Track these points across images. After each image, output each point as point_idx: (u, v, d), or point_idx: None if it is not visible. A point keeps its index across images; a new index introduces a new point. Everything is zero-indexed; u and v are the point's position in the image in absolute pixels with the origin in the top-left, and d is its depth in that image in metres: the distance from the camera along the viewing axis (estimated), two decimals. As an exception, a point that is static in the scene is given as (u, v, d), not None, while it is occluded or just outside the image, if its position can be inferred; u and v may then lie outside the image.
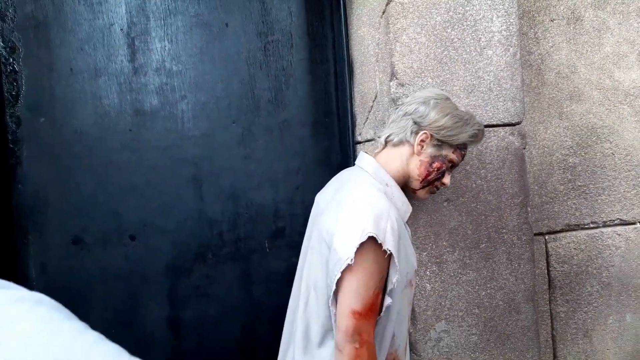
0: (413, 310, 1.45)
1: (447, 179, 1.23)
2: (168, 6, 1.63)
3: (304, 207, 1.76)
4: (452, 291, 1.48)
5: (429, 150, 1.19)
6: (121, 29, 1.58)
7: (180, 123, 1.63)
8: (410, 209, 1.24)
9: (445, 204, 1.46)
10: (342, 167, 1.77)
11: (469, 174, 1.48)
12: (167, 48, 1.63)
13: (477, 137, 1.21)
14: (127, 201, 1.58)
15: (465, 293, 1.48)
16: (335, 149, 1.78)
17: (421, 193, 1.24)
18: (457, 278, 1.48)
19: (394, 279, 1.07)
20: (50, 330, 0.35)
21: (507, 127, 1.52)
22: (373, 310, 1.06)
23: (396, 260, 1.05)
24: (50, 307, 0.38)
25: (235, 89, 1.69)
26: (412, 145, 1.20)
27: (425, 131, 1.18)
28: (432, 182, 1.22)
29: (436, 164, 1.20)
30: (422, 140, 1.19)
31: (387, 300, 1.08)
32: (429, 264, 1.46)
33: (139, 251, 1.60)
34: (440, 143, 1.19)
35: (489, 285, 1.50)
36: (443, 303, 1.47)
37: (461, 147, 1.22)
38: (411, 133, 1.21)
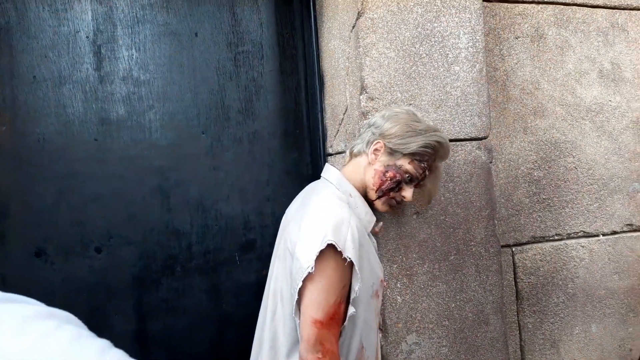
0: (384, 322, 1.44)
1: (406, 193, 1.23)
2: (136, 14, 1.61)
3: (274, 219, 1.75)
4: (422, 303, 1.48)
5: (383, 158, 1.21)
6: (87, 37, 1.55)
7: (148, 133, 1.59)
8: (373, 219, 1.25)
9: (414, 216, 1.47)
10: (313, 178, 1.77)
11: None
12: (134, 56, 1.60)
13: (432, 148, 1.20)
14: (91, 211, 1.53)
15: (436, 305, 1.49)
16: (306, 161, 1.78)
17: (378, 204, 1.24)
18: (427, 290, 1.49)
19: (356, 287, 1.07)
20: (81, 346, 0.34)
21: (474, 142, 1.55)
22: (335, 320, 1.05)
23: (357, 268, 1.05)
24: (77, 325, 0.37)
25: (204, 99, 1.67)
26: (368, 155, 1.22)
27: (379, 140, 1.21)
28: (386, 192, 1.22)
29: (390, 174, 1.20)
30: (376, 149, 1.22)
31: (351, 310, 1.08)
32: (400, 276, 1.46)
33: (104, 263, 1.55)
34: (392, 152, 1.20)
35: (458, 297, 1.51)
36: (414, 315, 1.47)
37: (419, 159, 1.20)
38: (368, 143, 1.23)
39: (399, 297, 1.47)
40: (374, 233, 1.33)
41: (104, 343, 0.37)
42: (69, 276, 1.52)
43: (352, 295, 1.08)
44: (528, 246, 1.82)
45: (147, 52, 1.61)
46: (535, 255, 1.83)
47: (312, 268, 1.01)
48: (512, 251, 1.80)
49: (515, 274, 1.80)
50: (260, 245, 1.74)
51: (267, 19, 1.75)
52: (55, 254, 1.50)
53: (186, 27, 1.66)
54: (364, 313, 1.14)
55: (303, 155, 1.77)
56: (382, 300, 1.41)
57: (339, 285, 1.05)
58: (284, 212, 1.75)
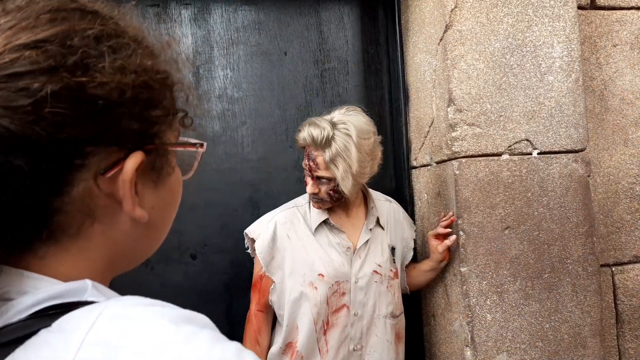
0: (473, 339, 1.40)
1: (307, 186, 1.38)
2: (231, 36, 1.70)
3: None
4: (514, 322, 1.42)
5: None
6: (187, 58, 1.66)
7: (240, 147, 1.68)
8: (321, 218, 1.40)
9: (506, 231, 1.43)
10: (397, 191, 1.77)
11: (531, 201, 1.44)
12: (229, 76, 1.70)
13: (298, 141, 1.35)
14: (188, 220, 1.63)
15: (528, 325, 1.43)
16: (389, 174, 1.78)
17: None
18: (519, 309, 1.43)
19: (259, 270, 1.42)
20: (222, 348, 0.36)
21: (569, 154, 1.48)
22: (257, 287, 1.44)
23: (259, 255, 1.39)
24: (212, 327, 0.39)
25: (292, 114, 1.73)
26: None
27: None
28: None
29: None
30: None
31: (272, 287, 1.41)
32: (489, 293, 1.42)
33: (199, 269, 1.64)
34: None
35: (553, 318, 1.44)
36: (504, 334, 1.42)
37: (305, 154, 1.36)
38: None
39: (488, 315, 1.42)
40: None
41: (238, 344, 0.38)
42: (166, 281, 1.62)
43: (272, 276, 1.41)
44: (630, 266, 1.70)
45: (241, 71, 1.70)
46: (638, 275, 1.70)
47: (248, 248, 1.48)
48: (612, 271, 1.69)
49: (615, 295, 1.69)
50: None
51: (353, 36, 1.78)
52: (156, 260, 1.61)
53: (276, 46, 1.73)
54: (289, 296, 1.37)
55: (387, 168, 1.78)
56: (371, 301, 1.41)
57: (259, 265, 1.41)
58: None
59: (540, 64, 1.47)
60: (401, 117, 1.73)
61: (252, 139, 1.70)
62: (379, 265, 1.42)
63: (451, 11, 1.44)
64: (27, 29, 0.38)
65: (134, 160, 0.43)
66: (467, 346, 1.42)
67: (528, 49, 1.47)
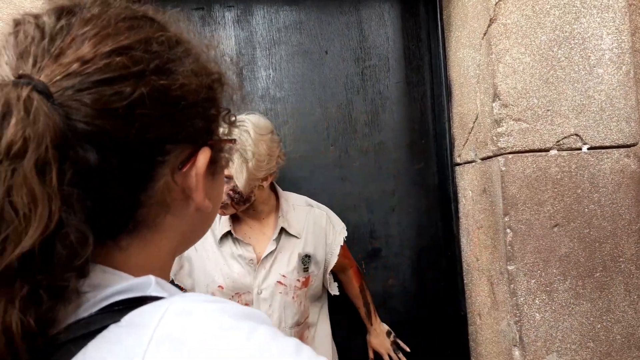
0: (521, 339, 1.37)
1: None
2: (273, 37, 1.72)
3: (400, 229, 1.75)
4: (564, 322, 1.39)
5: None
6: (231, 60, 1.68)
7: (283, 146, 1.69)
8: (225, 229, 1.38)
9: (555, 229, 1.39)
10: (440, 188, 1.75)
11: (581, 198, 1.40)
12: (271, 76, 1.72)
13: None
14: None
15: (579, 325, 1.39)
16: (432, 170, 1.76)
17: None
18: (570, 308, 1.39)
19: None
20: (281, 344, 0.37)
21: (621, 149, 1.43)
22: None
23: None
24: (269, 323, 0.40)
25: (333, 113, 1.74)
26: None
27: None
28: None
29: None
30: None
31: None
32: (538, 292, 1.39)
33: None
34: None
35: (605, 318, 1.39)
36: (554, 334, 1.39)
37: None
38: None
39: (537, 314, 1.39)
40: None
41: (296, 340, 0.39)
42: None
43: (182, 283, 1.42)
44: (686, 265, 1.63)
45: (283, 71, 1.72)
46: (695, 275, 1.63)
47: None
48: (667, 270, 1.62)
49: (670, 295, 1.62)
50: (386, 255, 1.76)
51: (393, 33, 1.77)
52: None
53: (317, 45, 1.74)
54: None
55: (429, 165, 1.76)
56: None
57: None
58: (409, 222, 1.76)
59: (589, 56, 1.43)
60: (444, 113, 1.71)
61: (294, 137, 1.71)
62: (283, 276, 1.38)
63: (495, 4, 1.41)
64: (111, 37, 0.41)
65: (204, 155, 0.47)
66: (515, 346, 1.39)
67: (576, 41, 1.43)
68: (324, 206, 1.56)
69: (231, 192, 1.31)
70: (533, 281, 1.38)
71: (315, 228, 1.47)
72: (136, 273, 0.44)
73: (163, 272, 0.50)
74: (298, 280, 1.40)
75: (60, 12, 0.42)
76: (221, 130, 0.52)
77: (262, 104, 1.70)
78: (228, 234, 1.39)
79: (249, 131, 1.30)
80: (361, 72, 1.75)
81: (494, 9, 1.41)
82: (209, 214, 0.53)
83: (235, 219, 1.42)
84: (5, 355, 0.34)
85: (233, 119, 0.54)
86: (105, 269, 0.42)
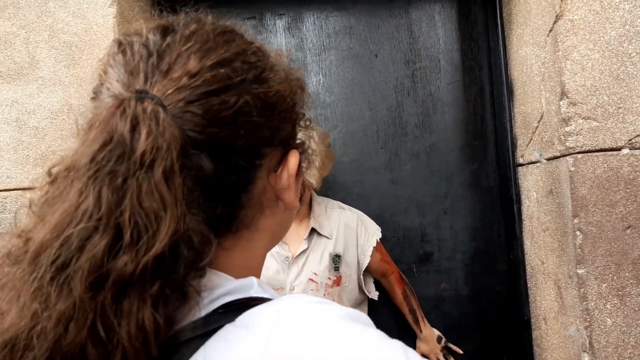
0: (591, 345, 1.33)
1: None
2: (323, 42, 1.73)
3: (452, 232, 1.73)
4: (637, 327, 1.33)
5: None
6: (301, 65, 1.71)
7: (333, 150, 1.70)
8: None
9: (627, 231, 1.34)
10: (501, 189, 1.72)
11: (655, 198, 1.35)
12: (321, 81, 1.73)
13: None
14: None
15: (654, 331, 1.33)
16: (492, 172, 1.73)
17: None
18: (644, 313, 1.34)
19: None
20: (389, 346, 0.38)
21: (698, 147, 1.36)
22: None
23: None
24: (375, 327, 0.41)
25: (383, 116, 1.73)
26: None
27: None
28: None
29: None
30: None
31: None
32: (610, 296, 1.34)
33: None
34: None
35: (683, 324, 1.33)
36: (626, 340, 1.33)
37: None
38: None
39: (608, 319, 1.34)
40: None
41: (401, 343, 0.39)
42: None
43: None
44: None
45: (332, 76, 1.73)
46: None
47: None
48: None
49: None
50: (438, 258, 1.74)
51: (445, 34, 1.76)
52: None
53: (367, 49, 1.75)
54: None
55: (483, 167, 1.73)
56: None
57: None
58: (462, 225, 1.73)
59: (663, 51, 1.37)
60: (505, 112, 1.67)
61: (344, 141, 1.72)
62: (315, 274, 1.45)
63: (561, 0, 1.37)
64: (212, 50, 0.43)
65: (295, 157, 0.50)
66: (584, 352, 1.35)
67: (648, 35, 1.37)
68: (356, 209, 1.59)
69: (301, 191, 1.40)
70: (604, 285, 1.34)
71: (346, 229, 1.53)
72: (236, 272, 0.46)
73: (258, 270, 0.52)
74: (329, 278, 1.47)
75: (165, 31, 0.45)
76: (300, 133, 0.55)
77: (312, 108, 1.71)
78: None
79: (311, 136, 1.38)
80: (412, 74, 1.74)
81: (560, 5, 1.37)
82: (292, 213, 0.55)
83: None
84: (139, 351, 0.35)
85: (309, 122, 0.56)
86: (213, 271, 0.44)
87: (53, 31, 1.41)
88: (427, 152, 1.74)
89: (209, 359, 0.37)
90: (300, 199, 1.43)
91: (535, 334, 1.62)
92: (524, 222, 1.63)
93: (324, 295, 1.46)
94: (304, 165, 0.55)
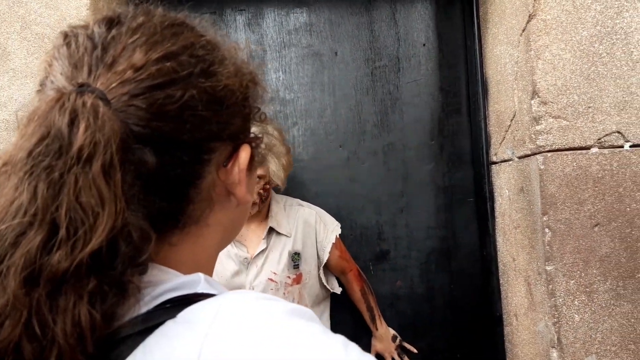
0: (560, 341, 1.35)
1: None
2: (283, 39, 1.74)
3: (408, 230, 1.74)
4: (604, 323, 1.36)
5: None
6: (260, 60, 1.71)
7: (292, 148, 1.71)
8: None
9: (595, 229, 1.36)
10: (475, 187, 1.73)
11: (622, 197, 1.37)
12: (281, 78, 1.74)
13: None
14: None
15: (619, 326, 1.36)
16: (467, 170, 1.75)
17: None
18: (610, 309, 1.36)
19: None
20: (329, 340, 0.39)
21: (665, 147, 1.39)
22: None
23: None
24: (318, 321, 0.41)
25: (342, 114, 1.75)
26: None
27: None
28: None
29: None
30: None
31: None
32: (577, 293, 1.36)
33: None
34: None
35: (648, 320, 1.36)
36: (593, 336, 1.36)
37: None
38: None
39: (576, 315, 1.36)
40: None
41: (343, 337, 0.40)
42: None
43: None
44: None
45: (292, 73, 1.74)
46: None
47: None
48: None
49: None
50: (394, 257, 1.75)
51: (405, 33, 1.77)
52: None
53: (327, 47, 1.75)
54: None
55: (464, 165, 1.74)
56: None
57: None
58: (418, 224, 1.74)
59: (632, 51, 1.39)
60: (479, 111, 1.69)
61: (303, 139, 1.74)
62: (274, 273, 1.46)
63: (535, 0, 1.39)
64: (159, 43, 0.43)
65: (246, 152, 0.49)
66: (553, 347, 1.37)
67: (618, 36, 1.39)
68: (315, 206, 1.60)
69: (261, 191, 1.39)
70: (572, 282, 1.36)
71: (305, 226, 1.53)
72: (185, 269, 0.45)
73: (209, 267, 0.52)
74: (288, 277, 1.48)
75: (110, 23, 0.45)
76: (253, 128, 0.55)
77: (271, 105, 1.72)
78: None
79: (273, 133, 1.38)
80: (371, 72, 1.76)
81: (533, 5, 1.39)
82: (246, 208, 0.55)
83: None
84: (75, 347, 0.35)
85: (264, 117, 0.56)
86: (156, 265, 0.43)
87: (25, 22, 1.39)
88: (384, 151, 1.75)
89: (148, 355, 0.37)
90: (265, 200, 1.44)
91: (506, 330, 1.65)
92: (497, 220, 1.65)
93: (284, 294, 1.46)
94: (257, 159, 0.54)
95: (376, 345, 1.64)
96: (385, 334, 1.64)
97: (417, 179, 1.74)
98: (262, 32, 1.73)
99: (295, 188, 1.70)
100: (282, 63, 1.74)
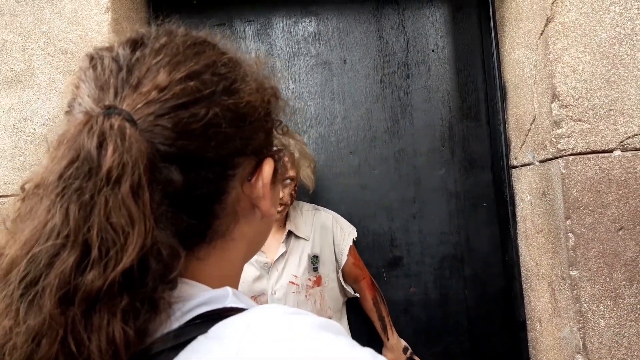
0: (585, 347, 1.33)
1: None
2: (292, 49, 1.75)
3: (421, 236, 1.73)
4: (630, 329, 1.34)
5: None
6: (281, 73, 1.73)
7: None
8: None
9: (620, 232, 1.35)
10: (496, 192, 1.72)
11: (647, 199, 1.35)
12: (291, 87, 1.75)
13: None
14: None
15: (647, 332, 1.33)
16: (487, 175, 1.74)
17: None
18: (636, 314, 1.34)
19: None
20: (359, 353, 0.39)
21: (690, 148, 1.37)
22: None
23: None
24: (347, 336, 0.41)
25: (353, 121, 1.76)
26: None
27: None
28: None
29: None
30: None
31: None
32: (603, 298, 1.34)
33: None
34: None
35: (676, 325, 1.33)
36: (620, 341, 1.34)
37: None
38: None
39: (602, 321, 1.34)
40: None
41: (372, 350, 0.40)
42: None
43: None
44: None
45: (302, 82, 1.75)
46: None
47: None
48: None
49: None
50: (407, 263, 1.74)
51: (414, 39, 1.77)
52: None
53: (336, 55, 1.76)
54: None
55: (484, 170, 1.73)
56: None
57: None
58: (430, 229, 1.74)
59: (654, 53, 1.37)
60: (498, 115, 1.68)
61: (313, 147, 1.74)
62: (295, 276, 1.47)
63: (552, 3, 1.38)
64: (182, 63, 0.44)
65: (270, 166, 0.50)
66: (578, 353, 1.35)
67: (638, 37, 1.38)
68: (331, 210, 1.62)
69: (293, 193, 1.43)
70: (597, 287, 1.34)
71: (322, 230, 1.55)
72: (213, 282, 0.46)
73: (235, 280, 0.52)
74: (309, 279, 1.49)
75: (134, 44, 0.46)
76: (275, 140, 0.55)
77: (282, 115, 1.72)
78: None
79: (301, 139, 1.44)
80: (380, 79, 1.76)
81: (550, 8, 1.38)
82: (270, 221, 0.55)
83: None
84: None
85: (286, 129, 0.57)
86: (187, 281, 0.44)
87: (49, 38, 1.42)
88: (395, 157, 1.75)
89: None
90: (291, 203, 1.46)
91: (530, 335, 1.63)
92: (519, 224, 1.63)
93: (306, 296, 1.47)
94: (279, 172, 0.55)
95: (387, 355, 1.63)
96: (396, 345, 1.63)
97: (429, 184, 1.74)
98: (271, 42, 1.75)
99: (307, 195, 1.71)
100: (292, 72, 1.75)
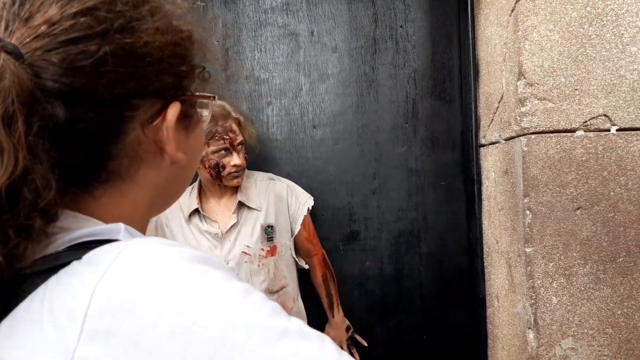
0: (536, 323, 1.36)
1: (232, 161, 1.44)
2: (259, 18, 1.74)
3: (379, 212, 1.75)
4: (582, 307, 1.36)
5: None
6: (217, 41, 1.72)
7: (266, 127, 1.73)
8: (192, 206, 1.50)
9: (577, 212, 1.36)
10: (464, 170, 1.73)
11: (607, 180, 1.36)
12: (256, 57, 1.75)
13: None
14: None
15: (597, 310, 1.36)
16: (457, 152, 1.74)
17: None
18: (589, 293, 1.36)
19: None
20: (231, 286, 0.40)
21: (653, 131, 1.37)
22: None
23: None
24: (227, 270, 0.42)
25: (318, 96, 1.75)
26: None
27: None
28: None
29: None
30: None
31: None
32: (556, 275, 1.36)
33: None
34: None
35: (626, 304, 1.36)
36: (571, 319, 1.36)
37: None
38: None
39: (554, 298, 1.37)
40: None
41: (249, 285, 0.41)
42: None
43: None
44: None
45: (268, 52, 1.75)
46: None
47: None
48: (699, 260, 1.55)
49: (702, 286, 1.56)
50: (364, 237, 1.77)
51: (383, 14, 1.75)
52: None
53: (304, 27, 1.75)
54: None
55: (454, 147, 1.74)
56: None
57: None
58: (389, 206, 1.74)
59: (623, 34, 1.37)
60: (470, 93, 1.68)
61: (277, 119, 1.75)
62: (247, 246, 1.48)
63: (524, -20, 1.37)
64: None
65: (174, 110, 0.49)
66: (529, 328, 1.38)
67: (609, 18, 1.37)
68: (287, 180, 1.62)
69: (247, 155, 1.48)
70: (551, 264, 1.36)
71: (277, 199, 1.56)
72: (110, 221, 0.47)
73: (140, 225, 0.52)
74: (262, 249, 1.50)
75: None
76: (194, 87, 0.54)
77: (246, 85, 1.73)
78: (195, 211, 1.50)
79: (235, 104, 1.48)
80: (347, 53, 1.75)
81: (522, -16, 1.37)
82: (185, 169, 0.55)
83: (202, 197, 1.53)
84: None
85: (207, 76, 0.56)
86: (76, 214, 0.45)
87: None
88: (358, 132, 1.75)
89: (47, 292, 0.39)
90: (244, 169, 1.49)
91: (489, 311, 1.66)
92: (484, 202, 1.65)
93: (259, 265, 1.49)
94: (196, 118, 0.55)
95: (330, 332, 1.66)
96: (340, 323, 1.66)
97: (390, 161, 1.75)
98: (238, 10, 1.74)
99: (268, 167, 1.72)
100: (258, 42, 1.74)
